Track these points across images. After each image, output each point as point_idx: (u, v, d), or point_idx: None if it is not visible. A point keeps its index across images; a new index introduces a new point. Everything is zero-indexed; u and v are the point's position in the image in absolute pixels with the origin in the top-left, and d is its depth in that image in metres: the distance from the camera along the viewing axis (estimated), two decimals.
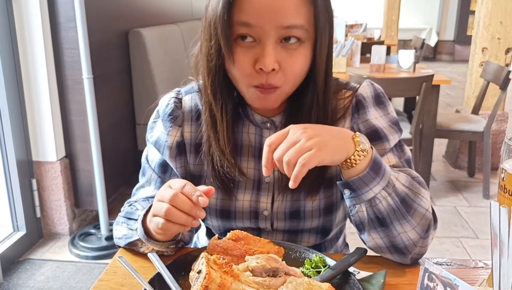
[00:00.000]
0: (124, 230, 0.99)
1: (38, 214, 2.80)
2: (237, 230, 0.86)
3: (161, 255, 0.90)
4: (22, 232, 2.68)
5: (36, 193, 2.76)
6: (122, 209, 1.05)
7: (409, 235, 0.88)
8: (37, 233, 2.81)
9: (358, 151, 0.83)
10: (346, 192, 0.88)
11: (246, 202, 1.02)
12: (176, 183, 0.83)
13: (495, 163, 3.95)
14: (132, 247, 0.98)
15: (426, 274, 0.53)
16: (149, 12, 3.61)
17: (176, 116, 1.02)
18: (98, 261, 2.60)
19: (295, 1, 0.82)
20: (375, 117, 0.97)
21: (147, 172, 1.07)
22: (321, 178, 0.98)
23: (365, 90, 0.99)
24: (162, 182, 1.02)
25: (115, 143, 3.00)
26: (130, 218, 0.99)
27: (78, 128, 2.76)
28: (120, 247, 1.01)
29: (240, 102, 0.97)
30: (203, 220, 1.13)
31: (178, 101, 1.03)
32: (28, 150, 2.69)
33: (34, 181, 2.74)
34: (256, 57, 0.85)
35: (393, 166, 0.95)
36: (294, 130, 0.80)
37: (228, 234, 0.86)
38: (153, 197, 0.98)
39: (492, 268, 0.65)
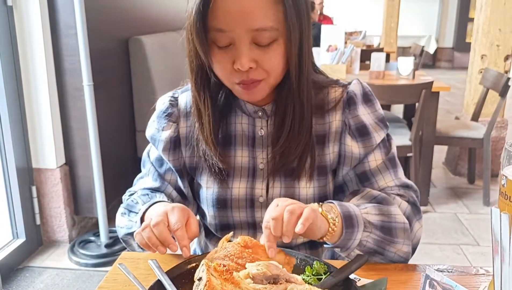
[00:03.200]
0: (125, 221, 1.06)
1: (38, 221, 2.79)
2: (247, 237, 0.87)
3: (162, 262, 0.90)
4: (21, 240, 2.68)
5: (35, 200, 2.76)
6: (123, 197, 1.14)
7: (403, 250, 0.97)
8: (37, 241, 2.80)
9: (330, 223, 0.89)
10: (337, 250, 0.95)
11: (242, 189, 1.06)
12: (173, 218, 0.91)
13: (495, 169, 3.94)
14: (130, 237, 1.04)
15: (428, 281, 0.52)
16: (149, 20, 3.62)
17: (170, 114, 1.09)
18: (98, 269, 2.59)
19: (262, 5, 0.87)
20: (363, 114, 1.03)
21: (146, 165, 1.15)
22: (313, 164, 1.03)
23: (356, 87, 1.05)
24: (159, 175, 1.11)
25: (115, 150, 3.00)
26: (131, 211, 1.06)
27: (78, 135, 2.76)
28: (120, 238, 1.09)
29: (231, 94, 1.03)
30: (199, 214, 1.18)
31: (174, 99, 1.10)
32: (28, 157, 2.69)
33: (33, 188, 2.74)
34: (233, 58, 0.91)
35: (374, 172, 1.03)
36: (282, 202, 0.86)
37: (238, 238, 0.87)
38: (150, 188, 1.10)
39: (493, 274, 0.65)
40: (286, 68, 0.95)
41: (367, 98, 1.06)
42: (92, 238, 2.80)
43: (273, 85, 0.97)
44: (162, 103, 1.11)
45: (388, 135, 1.06)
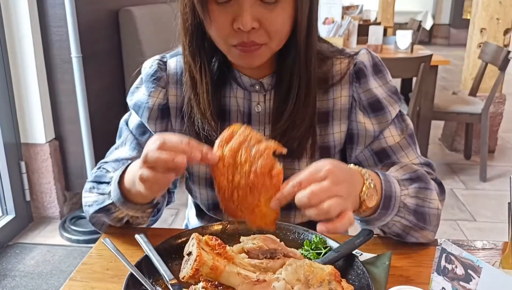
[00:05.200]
0: (94, 196, 0.92)
1: (28, 198, 2.73)
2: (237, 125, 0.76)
3: (150, 237, 0.84)
4: (11, 216, 2.62)
5: (25, 176, 2.69)
6: (91, 172, 0.98)
7: (428, 236, 0.89)
8: (27, 217, 2.74)
9: (367, 191, 0.77)
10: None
11: None
12: (173, 138, 0.73)
13: (492, 145, 3.91)
14: (102, 214, 0.91)
15: (444, 255, 0.47)
16: None
17: (159, 77, 0.97)
18: (90, 245, 2.55)
19: None
20: (375, 87, 0.94)
21: (123, 133, 1.02)
22: (314, 144, 0.93)
23: (364, 58, 0.96)
24: (138, 144, 0.97)
25: (105, 125, 2.92)
26: (100, 182, 0.93)
27: (67, 109, 2.68)
28: (88, 218, 0.94)
29: (225, 64, 0.93)
30: (191, 194, 1.08)
31: (163, 63, 0.99)
32: (16, 132, 2.61)
33: (22, 164, 2.67)
34: (233, 15, 0.80)
35: (394, 149, 0.93)
36: (320, 168, 0.71)
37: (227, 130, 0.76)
38: (126, 159, 0.94)
39: (509, 247, 0.59)
40: (290, 32, 0.85)
41: (377, 69, 0.96)
42: (84, 214, 2.75)
43: (273, 51, 0.87)
44: (149, 66, 0.99)
45: (400, 111, 0.97)
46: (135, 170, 0.79)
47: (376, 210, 0.81)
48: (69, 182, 2.84)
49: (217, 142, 0.74)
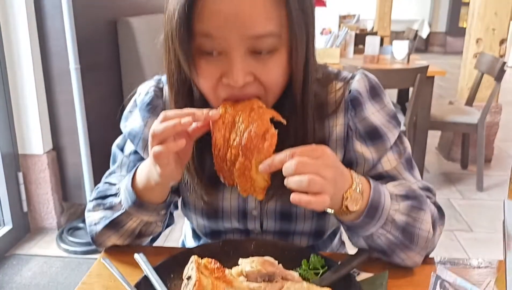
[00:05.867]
0: (99, 213, 0.90)
1: (25, 208, 2.72)
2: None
3: (149, 256, 0.84)
4: (8, 227, 2.61)
5: (22, 187, 2.69)
6: (92, 193, 0.96)
7: (414, 259, 0.85)
8: (24, 228, 2.74)
9: (352, 193, 0.77)
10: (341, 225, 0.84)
11: (234, 201, 0.95)
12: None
13: (488, 155, 3.93)
14: (111, 232, 0.89)
15: (438, 281, 0.48)
16: (138, 1, 3.52)
17: (155, 106, 0.95)
18: (87, 256, 2.54)
19: (262, 6, 0.71)
20: (373, 113, 0.90)
21: (118, 158, 1.00)
22: None
23: (360, 84, 0.90)
24: (135, 167, 0.91)
25: (104, 135, 2.92)
26: (105, 196, 0.91)
27: (65, 120, 2.69)
28: (94, 238, 0.91)
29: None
30: (187, 218, 1.06)
31: (159, 90, 0.96)
32: (13, 143, 2.61)
33: (20, 175, 2.67)
34: (222, 70, 0.75)
35: (391, 173, 0.91)
36: (316, 148, 0.75)
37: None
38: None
39: (506, 270, 0.60)
40: (286, 82, 0.80)
41: (374, 93, 0.91)
42: (81, 225, 2.74)
43: (270, 105, 0.81)
44: (145, 93, 0.96)
45: (399, 134, 0.93)
46: (146, 164, 0.82)
47: (359, 216, 0.80)
48: (67, 192, 2.83)
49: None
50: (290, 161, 0.70)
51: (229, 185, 0.78)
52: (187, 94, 0.85)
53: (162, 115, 0.75)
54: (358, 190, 0.78)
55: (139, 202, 0.84)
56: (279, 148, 0.75)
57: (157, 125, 0.74)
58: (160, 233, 0.97)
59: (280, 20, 0.73)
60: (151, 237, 0.95)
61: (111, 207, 0.89)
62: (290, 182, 0.70)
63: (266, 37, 0.73)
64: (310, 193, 0.69)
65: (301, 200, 0.69)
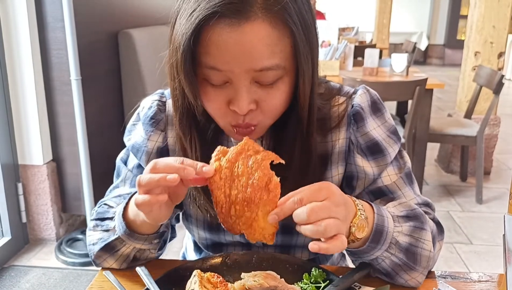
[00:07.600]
0: (98, 234, 0.90)
1: (24, 219, 2.72)
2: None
3: (150, 269, 0.84)
4: (7, 238, 2.60)
5: (21, 198, 2.68)
6: (92, 211, 0.97)
7: (417, 279, 0.86)
8: (23, 239, 2.73)
9: (358, 221, 0.77)
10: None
11: None
12: (165, 160, 0.75)
13: (487, 167, 3.93)
14: (107, 255, 0.89)
15: None
16: (139, 13, 3.54)
17: (158, 120, 0.95)
18: (86, 268, 2.53)
19: (267, 40, 0.72)
20: (374, 128, 0.91)
21: (122, 172, 1.00)
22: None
23: (362, 99, 0.92)
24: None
25: (103, 147, 2.93)
26: (103, 219, 0.91)
27: (65, 131, 2.69)
28: (92, 259, 0.91)
29: (219, 128, 0.88)
30: (189, 231, 1.07)
31: (162, 104, 0.97)
32: (13, 153, 2.61)
33: (20, 185, 2.66)
34: (229, 97, 0.77)
35: (391, 188, 0.91)
36: (321, 187, 0.73)
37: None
38: (128, 194, 0.92)
39: (506, 284, 0.60)
40: (285, 108, 0.82)
41: (376, 108, 0.93)
42: (80, 236, 2.74)
43: (267, 127, 0.85)
44: (148, 107, 0.96)
45: (399, 148, 0.95)
46: None
47: (365, 242, 0.80)
48: (66, 203, 2.83)
49: (214, 154, 0.76)
50: (301, 209, 0.70)
51: (234, 233, 0.77)
52: (192, 117, 0.86)
53: (152, 164, 0.74)
54: (363, 217, 0.78)
55: (130, 232, 0.85)
56: (285, 166, 0.75)
57: (144, 175, 0.73)
58: (165, 246, 0.97)
59: (285, 53, 0.75)
60: (146, 261, 0.93)
61: (107, 230, 0.89)
62: (305, 230, 0.70)
63: (270, 69, 0.74)
64: (327, 238, 0.70)
65: (321, 248, 0.70)
